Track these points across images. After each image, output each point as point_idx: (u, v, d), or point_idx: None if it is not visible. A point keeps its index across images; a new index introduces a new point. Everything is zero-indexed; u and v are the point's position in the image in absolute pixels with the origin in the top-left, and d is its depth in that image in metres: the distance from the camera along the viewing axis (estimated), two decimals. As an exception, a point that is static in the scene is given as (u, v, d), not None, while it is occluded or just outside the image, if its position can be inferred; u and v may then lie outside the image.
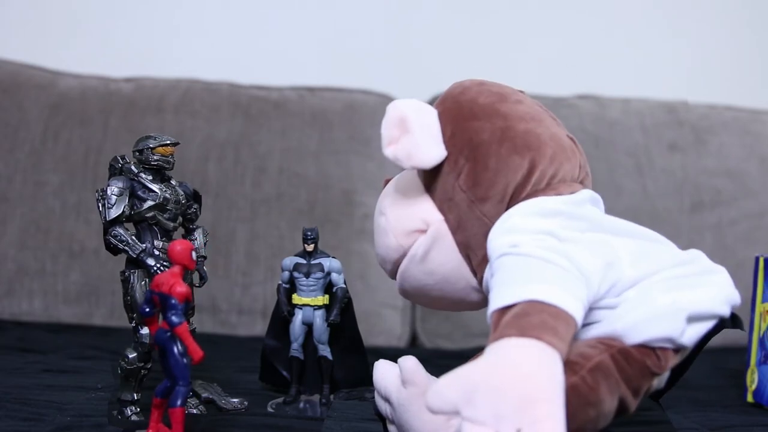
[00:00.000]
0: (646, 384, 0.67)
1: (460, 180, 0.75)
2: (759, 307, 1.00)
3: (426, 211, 0.77)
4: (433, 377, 0.76)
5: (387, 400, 0.78)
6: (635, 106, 1.63)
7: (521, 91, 0.83)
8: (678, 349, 0.68)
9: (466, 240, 0.75)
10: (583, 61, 1.80)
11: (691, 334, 0.67)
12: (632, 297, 0.68)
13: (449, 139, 0.76)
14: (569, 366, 0.63)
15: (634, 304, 0.67)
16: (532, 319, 0.60)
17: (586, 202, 0.76)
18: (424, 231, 0.77)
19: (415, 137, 0.74)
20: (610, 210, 0.80)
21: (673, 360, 0.68)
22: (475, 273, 0.76)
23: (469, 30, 1.79)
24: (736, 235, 1.53)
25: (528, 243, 0.66)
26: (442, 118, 0.77)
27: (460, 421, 0.73)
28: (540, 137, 0.76)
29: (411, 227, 0.78)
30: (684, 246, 0.76)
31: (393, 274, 0.83)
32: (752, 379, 1.00)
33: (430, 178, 0.77)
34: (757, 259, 1.01)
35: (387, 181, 0.85)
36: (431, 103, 1.68)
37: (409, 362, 0.75)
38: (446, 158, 0.76)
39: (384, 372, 0.79)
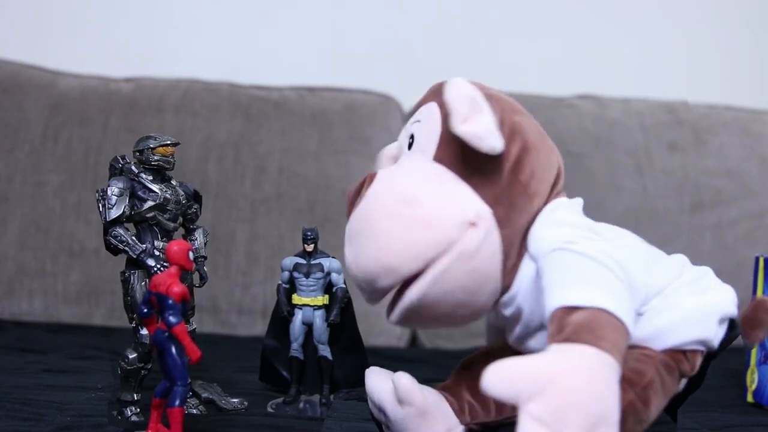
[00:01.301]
0: (676, 389, 0.68)
1: (517, 171, 0.70)
2: (759, 307, 1.00)
3: (474, 202, 0.68)
4: (429, 391, 0.75)
5: (381, 410, 0.77)
6: (635, 106, 1.63)
7: None
8: (703, 351, 0.69)
9: (510, 236, 0.69)
10: (583, 61, 1.80)
11: (720, 336, 0.69)
12: (656, 305, 0.68)
13: (500, 128, 0.70)
14: (626, 382, 0.62)
15: (661, 309, 0.67)
16: (607, 333, 0.59)
17: (579, 202, 0.76)
18: (473, 224, 0.67)
19: (490, 120, 0.68)
20: (610, 210, 0.80)
21: (699, 360, 0.69)
22: (504, 277, 0.70)
23: (469, 30, 1.79)
24: (736, 235, 1.53)
25: (584, 242, 0.64)
26: (490, 105, 0.71)
27: (460, 428, 0.73)
28: (552, 145, 0.76)
29: (463, 219, 0.67)
30: (684, 246, 0.77)
31: (394, 286, 0.72)
32: (752, 379, 1.00)
33: (471, 168, 0.70)
34: (757, 259, 1.01)
35: (372, 176, 0.72)
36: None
37: (404, 381, 0.73)
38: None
39: (377, 382, 0.77)
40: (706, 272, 0.73)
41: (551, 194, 0.72)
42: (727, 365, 1.20)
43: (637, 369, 0.64)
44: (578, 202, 0.74)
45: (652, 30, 1.84)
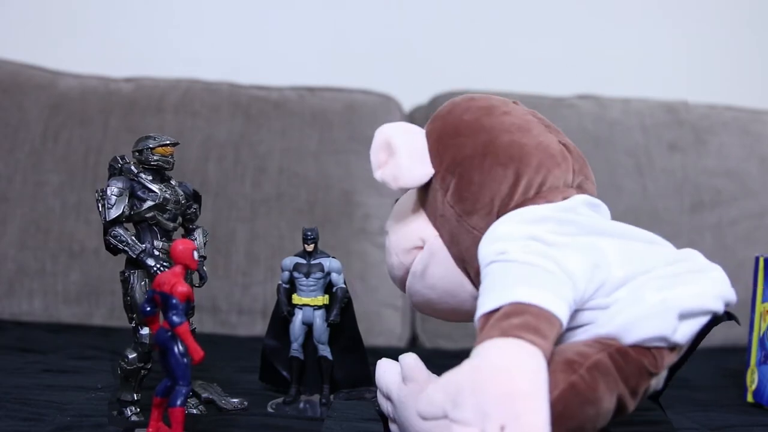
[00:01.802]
0: (644, 384, 0.67)
1: (447, 196, 0.77)
2: (759, 307, 1.00)
3: (422, 228, 0.80)
4: (434, 375, 0.76)
5: (388, 398, 0.78)
6: (635, 106, 1.63)
7: (515, 102, 0.83)
8: (673, 347, 0.68)
9: (460, 253, 0.77)
10: (583, 61, 1.80)
11: (684, 332, 0.67)
12: (623, 297, 0.68)
13: (435, 157, 0.78)
14: (568, 364, 0.63)
15: (625, 304, 0.67)
16: (514, 320, 0.61)
17: (579, 206, 0.76)
18: (421, 247, 0.80)
19: (401, 159, 0.77)
20: (610, 210, 0.80)
21: (669, 358, 0.68)
22: (475, 285, 0.77)
23: (469, 30, 1.79)
24: (736, 235, 1.53)
25: (515, 249, 0.67)
26: (429, 137, 0.79)
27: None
28: (524, 147, 0.76)
29: (409, 245, 0.80)
30: (684, 246, 0.76)
31: (404, 290, 0.86)
32: (752, 379, 1.00)
33: (423, 196, 0.80)
34: (757, 259, 1.01)
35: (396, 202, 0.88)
36: (431, 104, 1.68)
37: (409, 359, 0.75)
38: (434, 176, 0.78)
39: (385, 370, 0.79)
40: (707, 268, 0.72)
41: (505, 207, 0.75)
42: (727, 365, 1.20)
43: (583, 352, 0.65)
44: (558, 206, 0.74)
45: (652, 30, 1.84)
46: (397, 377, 0.76)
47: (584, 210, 0.76)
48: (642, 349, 0.66)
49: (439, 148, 0.78)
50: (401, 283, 0.84)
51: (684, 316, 0.67)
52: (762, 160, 1.59)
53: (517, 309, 0.62)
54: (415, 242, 0.80)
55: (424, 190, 0.79)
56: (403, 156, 0.77)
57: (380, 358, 0.82)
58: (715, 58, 1.85)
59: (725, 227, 1.54)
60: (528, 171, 0.75)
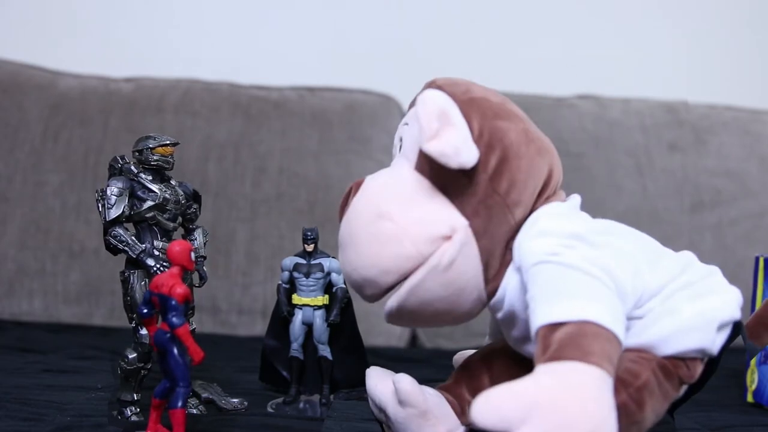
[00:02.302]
0: (675, 394, 0.67)
1: (495, 182, 0.68)
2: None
3: (448, 215, 0.68)
4: (430, 391, 0.75)
5: (382, 411, 0.77)
6: (635, 106, 1.63)
7: None
8: (703, 357, 0.68)
9: (490, 247, 0.69)
10: (583, 61, 1.80)
11: (719, 342, 0.67)
12: (656, 307, 0.67)
13: (478, 138, 0.69)
14: (620, 382, 0.62)
15: (659, 314, 0.66)
16: (593, 344, 0.58)
17: (578, 206, 0.74)
18: (447, 237, 0.68)
19: (462, 132, 0.68)
20: (610, 210, 0.80)
21: (700, 367, 0.68)
22: (487, 283, 0.70)
23: (469, 30, 1.79)
24: (736, 235, 1.53)
25: (568, 252, 0.63)
26: (466, 114, 0.70)
27: (461, 429, 0.73)
28: (548, 141, 0.73)
29: (436, 233, 0.67)
30: (684, 246, 0.76)
31: (382, 293, 0.73)
32: (752, 379, 1.00)
33: (449, 179, 0.69)
34: (757, 259, 1.01)
35: (358, 184, 0.74)
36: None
37: (404, 383, 0.72)
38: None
39: (377, 383, 0.76)
40: (712, 272, 0.72)
41: (539, 200, 0.70)
42: (727, 365, 1.20)
43: (632, 370, 0.64)
44: (570, 204, 0.72)
45: (652, 30, 1.84)
46: (391, 395, 0.74)
47: (579, 200, 0.74)
48: (678, 360, 0.66)
49: (481, 128, 0.69)
50: (398, 278, 0.70)
51: (720, 327, 0.67)
52: (762, 160, 1.59)
53: (592, 330, 0.59)
54: (443, 230, 0.67)
55: (449, 173, 0.68)
56: (463, 129, 0.68)
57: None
58: (715, 58, 1.85)
59: (725, 227, 1.54)
60: (556, 166, 0.72)
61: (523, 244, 0.67)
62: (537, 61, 1.78)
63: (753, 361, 1.00)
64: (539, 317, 0.61)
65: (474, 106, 0.70)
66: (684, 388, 0.69)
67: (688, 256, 0.73)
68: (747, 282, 1.05)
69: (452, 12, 1.79)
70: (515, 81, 1.64)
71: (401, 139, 0.74)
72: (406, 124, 0.74)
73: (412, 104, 0.75)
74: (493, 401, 0.54)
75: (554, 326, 0.59)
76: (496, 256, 0.69)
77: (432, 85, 0.73)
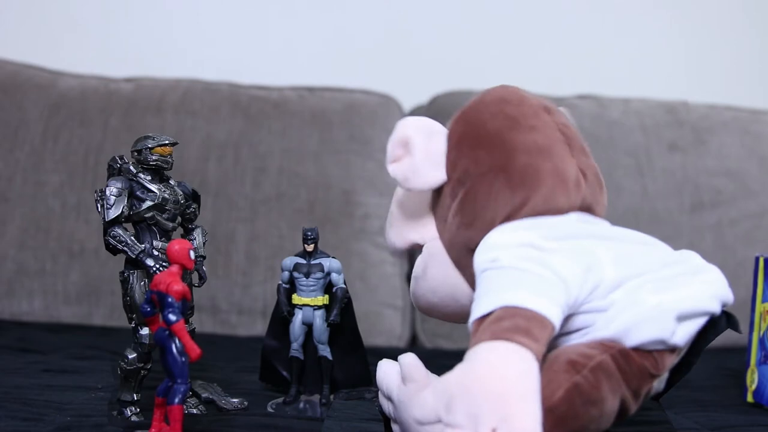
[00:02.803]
0: (645, 386, 0.67)
1: (453, 204, 0.76)
2: (759, 307, 1.00)
3: (425, 227, 0.80)
4: (434, 374, 0.76)
5: (389, 399, 0.78)
6: (635, 106, 1.63)
7: (547, 109, 0.81)
8: (673, 349, 0.68)
9: (458, 259, 0.77)
10: (583, 61, 1.80)
11: (682, 334, 0.67)
12: (620, 299, 0.68)
13: (451, 164, 0.76)
14: (571, 365, 0.64)
15: (622, 307, 0.67)
16: (504, 323, 0.62)
17: (571, 217, 0.75)
18: (420, 246, 0.80)
19: (416, 161, 0.75)
20: (610, 210, 0.80)
21: (670, 360, 0.68)
22: (473, 289, 0.75)
23: (469, 30, 1.79)
24: (736, 235, 1.53)
25: (506, 256, 0.67)
26: (450, 139, 0.77)
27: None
28: (539, 173, 0.74)
29: (409, 238, 0.81)
30: (684, 246, 0.76)
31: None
32: (752, 379, 1.00)
33: (433, 196, 0.79)
34: (757, 259, 1.01)
35: None
36: (431, 104, 1.67)
37: (408, 358, 0.74)
38: (447, 182, 0.77)
39: (386, 370, 0.78)
40: (706, 269, 0.72)
41: (505, 222, 0.73)
42: (727, 365, 1.20)
43: (586, 353, 0.65)
44: (534, 222, 0.73)
45: (652, 30, 1.84)
46: (397, 377, 0.76)
47: (574, 218, 0.75)
48: (643, 351, 0.67)
49: (456, 155, 0.76)
50: (408, 248, 0.84)
51: (682, 318, 0.67)
52: (762, 160, 1.59)
53: (508, 312, 0.63)
54: (415, 238, 0.80)
55: (435, 190, 0.78)
56: (418, 158, 0.75)
57: (381, 358, 0.82)
58: (715, 58, 1.85)
59: (725, 227, 1.54)
60: (535, 197, 0.73)
61: (475, 258, 0.72)
62: (537, 61, 1.78)
63: (753, 361, 1.00)
64: (471, 316, 0.66)
65: (458, 132, 0.77)
66: (659, 381, 0.69)
67: (685, 254, 0.73)
68: (747, 282, 1.05)
69: (453, 12, 1.79)
70: (515, 81, 1.62)
71: None
72: None
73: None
74: (422, 400, 0.62)
75: (480, 320, 0.64)
76: (467, 268, 0.75)
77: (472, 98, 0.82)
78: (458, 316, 0.81)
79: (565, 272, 0.66)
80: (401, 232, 0.81)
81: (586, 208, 0.76)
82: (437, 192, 0.78)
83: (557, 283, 0.65)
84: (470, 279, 0.75)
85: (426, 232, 0.80)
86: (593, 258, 0.69)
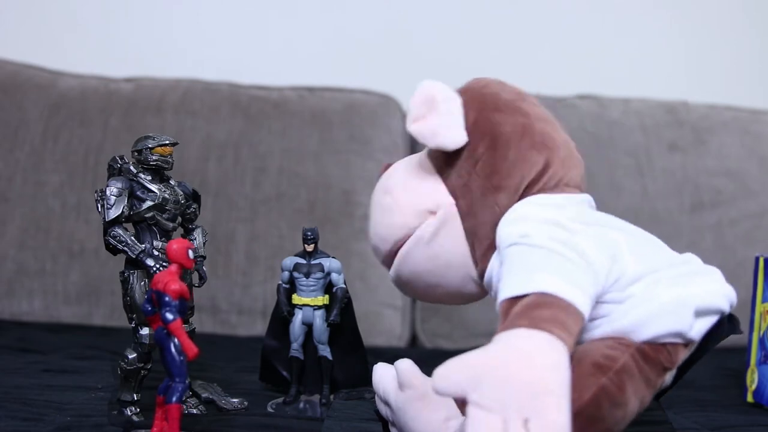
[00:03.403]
0: (660, 380, 0.68)
1: (477, 167, 0.75)
2: (759, 307, 1.00)
3: (438, 193, 0.77)
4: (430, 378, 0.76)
5: (386, 402, 0.78)
6: (635, 106, 1.63)
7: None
8: (686, 343, 0.69)
9: (474, 227, 0.75)
10: (583, 61, 1.80)
11: (698, 329, 0.68)
12: (637, 293, 0.68)
13: (471, 126, 0.76)
14: (597, 368, 0.64)
15: (640, 300, 0.68)
16: (543, 312, 0.61)
17: (585, 203, 0.77)
18: (433, 213, 0.77)
19: (442, 117, 0.75)
20: (610, 210, 0.80)
21: (683, 354, 0.69)
22: (476, 263, 0.76)
23: (469, 30, 1.79)
24: (736, 235, 1.53)
25: (538, 234, 0.67)
26: (466, 105, 0.77)
27: (461, 418, 0.74)
28: (555, 140, 0.78)
29: (421, 207, 0.77)
30: (684, 246, 0.77)
31: (388, 260, 0.81)
32: (752, 379, 1.00)
33: (444, 162, 0.77)
34: (757, 259, 1.01)
35: (387, 167, 0.84)
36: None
37: (405, 364, 0.75)
38: (466, 144, 0.76)
39: (382, 375, 0.79)
40: (709, 271, 0.73)
41: (529, 191, 0.74)
42: (727, 365, 1.20)
43: (610, 355, 0.65)
44: (562, 197, 0.75)
45: (652, 30, 1.84)
46: (394, 382, 0.76)
47: (587, 202, 0.78)
48: (657, 345, 0.67)
49: (477, 117, 0.76)
50: (393, 246, 0.79)
51: (699, 313, 0.68)
52: (762, 160, 1.59)
53: (546, 300, 0.62)
54: (428, 205, 0.77)
55: (446, 155, 0.77)
56: (445, 115, 0.75)
57: (381, 358, 0.82)
58: (715, 58, 1.85)
59: (725, 227, 1.54)
60: (556, 162, 0.76)
61: (501, 229, 0.71)
62: (537, 61, 1.78)
63: (753, 361, 1.00)
64: (501, 293, 0.65)
65: (477, 99, 0.78)
66: (670, 375, 0.70)
67: (687, 256, 0.74)
68: (747, 282, 1.05)
69: (453, 12, 1.79)
70: (515, 81, 1.62)
71: None
72: None
73: None
74: (449, 371, 0.58)
75: (513, 300, 0.63)
76: (482, 238, 0.75)
77: (475, 80, 0.82)
78: (440, 289, 0.80)
79: (595, 260, 0.66)
80: (412, 204, 0.77)
81: (582, 190, 0.79)
82: (449, 157, 0.77)
83: (589, 272, 0.65)
84: (480, 251, 0.75)
85: (441, 199, 0.77)
86: (617, 248, 0.69)
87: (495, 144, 0.75)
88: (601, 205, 0.75)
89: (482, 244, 0.75)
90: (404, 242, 0.78)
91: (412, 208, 0.77)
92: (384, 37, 1.76)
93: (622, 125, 1.59)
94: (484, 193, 0.75)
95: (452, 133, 0.75)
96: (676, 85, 1.79)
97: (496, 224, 0.73)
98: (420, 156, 0.81)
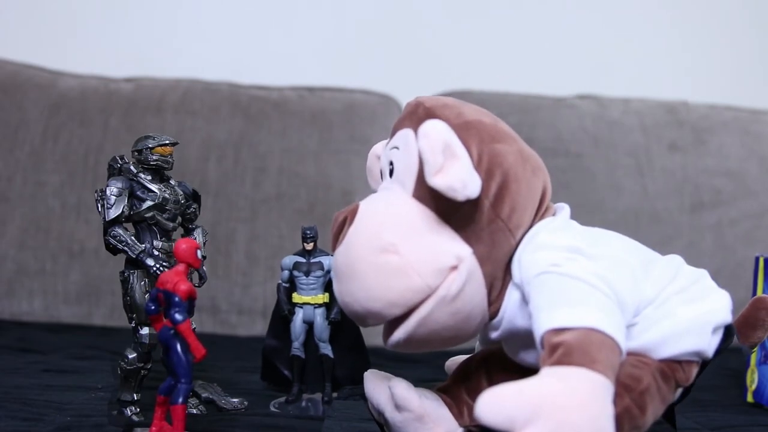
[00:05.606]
0: (672, 398, 0.68)
1: (497, 208, 0.68)
2: (759, 306, 1.00)
3: (454, 244, 0.68)
4: (427, 394, 0.75)
5: (380, 414, 0.77)
6: (635, 106, 1.63)
7: None
8: (699, 360, 0.69)
9: (493, 270, 0.69)
10: (583, 61, 1.80)
11: (714, 345, 0.68)
12: (650, 313, 0.67)
13: (477, 164, 0.68)
14: (623, 388, 0.63)
15: (655, 319, 0.67)
16: (599, 353, 0.59)
17: (568, 216, 0.74)
18: (455, 267, 0.67)
19: (465, 164, 0.67)
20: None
21: (696, 370, 0.69)
22: (490, 305, 0.70)
23: (470, 30, 1.79)
24: (736, 235, 1.53)
25: (569, 264, 0.64)
26: (465, 140, 0.68)
27: None
28: (536, 157, 0.73)
29: (443, 264, 0.67)
30: (684, 246, 0.76)
31: (392, 324, 0.70)
32: (752, 379, 1.00)
33: (451, 208, 0.68)
34: (757, 259, 1.01)
35: (353, 212, 0.70)
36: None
37: (400, 388, 0.73)
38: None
39: (375, 386, 0.76)
40: (702, 276, 0.73)
41: (536, 218, 0.71)
42: (727, 365, 1.20)
43: (634, 375, 0.65)
44: (562, 217, 0.72)
45: (652, 30, 1.84)
46: (388, 398, 0.74)
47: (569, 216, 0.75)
48: (674, 363, 0.67)
49: (480, 153, 0.68)
50: (403, 310, 0.68)
51: (715, 330, 0.68)
52: (762, 160, 1.59)
53: (597, 338, 0.60)
54: (451, 261, 0.67)
55: (448, 200, 0.67)
56: (465, 164, 0.66)
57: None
58: (715, 58, 1.85)
59: (725, 227, 1.54)
60: (548, 182, 0.73)
61: (523, 258, 0.67)
62: (537, 61, 1.78)
63: (753, 361, 1.00)
64: (544, 323, 0.61)
65: (471, 131, 0.69)
66: (679, 391, 0.70)
67: (677, 260, 0.73)
68: (747, 282, 1.05)
69: (452, 12, 1.79)
70: (515, 81, 1.64)
71: (391, 163, 0.72)
72: (396, 147, 0.72)
73: (398, 126, 0.73)
74: (500, 399, 0.54)
75: (558, 331, 0.60)
76: (499, 278, 0.69)
77: (419, 107, 0.71)
78: (453, 340, 0.72)
79: (625, 296, 0.65)
80: (430, 264, 0.67)
81: None
82: (453, 201, 0.67)
83: (620, 309, 0.64)
84: (496, 291, 0.70)
85: (460, 250, 0.68)
86: (632, 273, 0.67)
87: (506, 180, 0.69)
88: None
89: (498, 284, 0.70)
90: (420, 304, 0.67)
91: (430, 266, 0.67)
92: (384, 37, 1.77)
93: (622, 125, 1.59)
94: (504, 234, 0.69)
95: (475, 179, 0.67)
96: (676, 85, 1.79)
97: (509, 260, 0.69)
98: (406, 201, 0.70)
